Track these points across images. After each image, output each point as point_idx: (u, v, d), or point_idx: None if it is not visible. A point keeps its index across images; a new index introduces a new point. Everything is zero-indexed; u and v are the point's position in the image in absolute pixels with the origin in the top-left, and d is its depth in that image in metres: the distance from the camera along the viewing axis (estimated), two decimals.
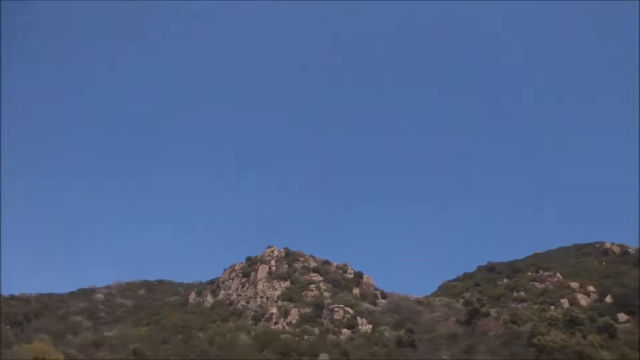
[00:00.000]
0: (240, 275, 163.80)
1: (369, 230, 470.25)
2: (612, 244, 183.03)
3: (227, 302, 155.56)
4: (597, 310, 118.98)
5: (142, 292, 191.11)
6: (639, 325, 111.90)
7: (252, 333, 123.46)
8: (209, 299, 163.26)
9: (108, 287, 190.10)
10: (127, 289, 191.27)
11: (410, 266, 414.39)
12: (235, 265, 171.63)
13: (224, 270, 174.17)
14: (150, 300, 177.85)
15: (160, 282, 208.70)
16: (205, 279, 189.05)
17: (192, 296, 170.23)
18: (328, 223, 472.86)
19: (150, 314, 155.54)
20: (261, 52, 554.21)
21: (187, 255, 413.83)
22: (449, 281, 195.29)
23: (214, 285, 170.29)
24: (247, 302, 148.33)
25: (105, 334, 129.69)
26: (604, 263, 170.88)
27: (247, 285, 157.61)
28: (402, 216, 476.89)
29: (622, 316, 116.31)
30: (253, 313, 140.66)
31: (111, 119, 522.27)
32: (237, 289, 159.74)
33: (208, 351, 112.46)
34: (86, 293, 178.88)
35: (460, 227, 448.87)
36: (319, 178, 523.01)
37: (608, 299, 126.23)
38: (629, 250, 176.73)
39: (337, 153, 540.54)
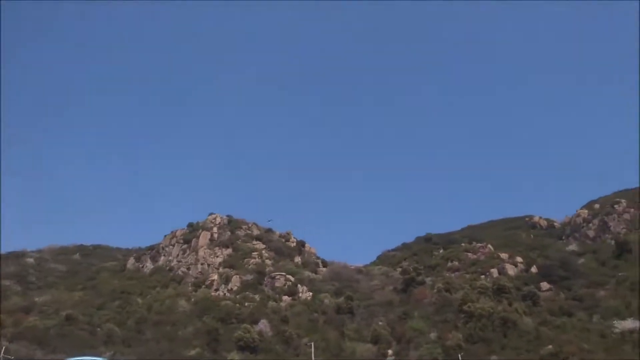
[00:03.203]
0: (181, 241, 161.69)
1: (313, 199, 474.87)
2: (540, 217, 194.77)
3: (167, 268, 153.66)
4: (523, 280, 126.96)
5: (76, 256, 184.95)
6: (559, 293, 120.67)
7: (192, 299, 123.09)
8: (149, 265, 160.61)
9: (40, 250, 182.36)
10: (61, 253, 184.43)
11: (352, 236, 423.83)
12: (176, 231, 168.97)
13: (165, 236, 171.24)
14: (86, 265, 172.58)
15: (97, 247, 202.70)
16: (144, 245, 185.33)
17: (131, 262, 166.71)
18: (273, 191, 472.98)
19: (85, 280, 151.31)
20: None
21: (126, 220, 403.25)
22: (388, 251, 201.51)
23: (153, 252, 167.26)
24: (188, 269, 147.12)
25: (36, 299, 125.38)
26: (531, 235, 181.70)
27: (188, 252, 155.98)
28: (345, 186, 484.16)
29: (544, 285, 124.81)
30: (193, 280, 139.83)
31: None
32: (177, 255, 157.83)
33: (146, 317, 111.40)
34: (16, 256, 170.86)
35: (401, 200, 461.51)
36: (265, 146, 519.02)
37: (533, 269, 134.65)
38: (555, 224, 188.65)
39: (282, 121, 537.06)
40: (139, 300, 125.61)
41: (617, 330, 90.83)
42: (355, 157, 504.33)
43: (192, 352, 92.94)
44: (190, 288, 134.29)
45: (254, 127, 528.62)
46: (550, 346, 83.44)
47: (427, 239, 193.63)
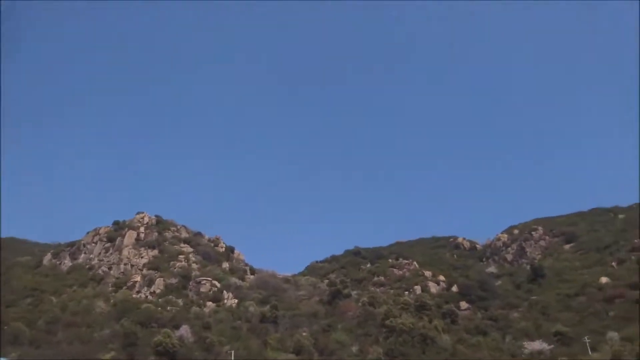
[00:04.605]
0: (105, 239, 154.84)
1: (246, 206, 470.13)
2: (463, 239, 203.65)
3: (87, 266, 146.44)
4: (444, 298, 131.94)
5: None
6: (477, 312, 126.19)
7: (111, 301, 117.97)
8: (67, 262, 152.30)
9: None
10: None
11: (283, 245, 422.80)
12: (100, 228, 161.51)
13: (87, 233, 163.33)
14: None
15: (12, 240, 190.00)
16: (64, 240, 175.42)
17: (48, 257, 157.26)
18: (206, 195, 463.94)
19: None
20: None
21: (45, 213, 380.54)
22: (317, 262, 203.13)
23: (73, 248, 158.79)
24: (110, 268, 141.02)
25: None
26: (454, 255, 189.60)
27: (111, 251, 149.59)
28: (277, 195, 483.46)
29: (463, 304, 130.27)
30: (115, 280, 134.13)
31: None
32: (99, 253, 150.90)
33: (59, 317, 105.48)
34: None
35: (332, 212, 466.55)
36: (198, 148, 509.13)
37: (454, 288, 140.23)
38: (477, 245, 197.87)
39: (218, 122, 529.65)
40: (53, 299, 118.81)
41: (526, 351, 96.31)
42: (290, 168, 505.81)
43: (107, 356, 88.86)
44: (110, 289, 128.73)
45: (189, 127, 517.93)
46: None
47: (356, 252, 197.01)
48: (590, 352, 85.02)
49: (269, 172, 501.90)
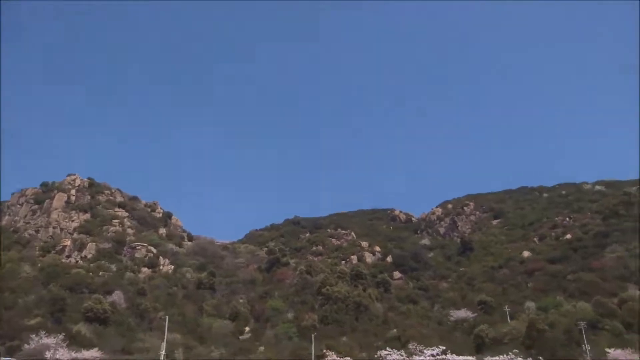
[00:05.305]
0: (32, 201, 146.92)
1: (186, 173, 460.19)
2: (400, 211, 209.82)
3: (12, 229, 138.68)
4: (379, 268, 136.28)
5: None
6: (409, 282, 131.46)
7: (38, 265, 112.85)
8: None
9: None
10: None
11: (222, 212, 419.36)
12: (26, 190, 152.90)
13: (12, 194, 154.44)
14: None
15: None
16: None
17: None
18: (144, 159, 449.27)
19: None
20: None
21: None
22: (257, 230, 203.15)
23: None
24: (37, 232, 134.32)
25: None
26: (391, 227, 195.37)
27: (38, 214, 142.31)
28: (219, 164, 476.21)
29: (397, 274, 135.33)
30: (42, 244, 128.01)
31: None
32: (25, 216, 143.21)
33: None
34: None
35: (274, 182, 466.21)
36: (138, 113, 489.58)
37: (389, 258, 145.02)
38: (413, 218, 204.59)
39: (162, 90, 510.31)
40: None
41: (452, 319, 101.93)
42: (232, 134, 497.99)
43: (32, 322, 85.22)
44: (37, 252, 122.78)
45: (128, 88, 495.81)
46: (395, 330, 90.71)
47: (295, 222, 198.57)
48: (509, 320, 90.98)
49: (209, 139, 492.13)
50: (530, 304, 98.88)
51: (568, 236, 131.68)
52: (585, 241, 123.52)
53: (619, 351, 54.61)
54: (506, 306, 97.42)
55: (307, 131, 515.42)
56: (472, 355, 44.04)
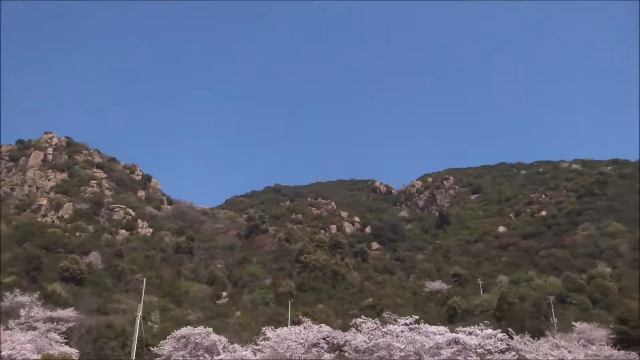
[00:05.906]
0: (7, 158, 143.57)
1: (168, 135, 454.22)
2: (381, 183, 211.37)
3: None
4: (357, 238, 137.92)
5: None
6: (386, 253, 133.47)
7: (13, 223, 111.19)
8: None
9: None
10: None
11: (203, 177, 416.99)
12: (1, 146, 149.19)
13: None
14: None
15: None
16: None
17: None
18: (125, 120, 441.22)
19: None
20: None
21: None
22: (237, 197, 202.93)
23: None
24: (12, 190, 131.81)
25: None
26: (371, 199, 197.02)
27: (14, 171, 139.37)
28: (201, 130, 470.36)
29: (374, 244, 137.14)
30: (17, 202, 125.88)
31: None
32: (0, 172, 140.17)
33: None
34: None
35: (255, 148, 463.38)
36: (123, 71, 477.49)
37: (368, 229, 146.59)
38: (393, 190, 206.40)
39: (143, 49, 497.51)
40: None
41: (426, 290, 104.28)
42: (216, 100, 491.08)
43: (7, 280, 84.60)
44: (12, 211, 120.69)
45: (108, 46, 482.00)
46: (370, 299, 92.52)
47: (276, 189, 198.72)
48: (481, 293, 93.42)
49: (192, 101, 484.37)
50: (503, 278, 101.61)
51: (543, 213, 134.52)
52: (559, 218, 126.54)
53: (585, 325, 56.76)
54: (479, 279, 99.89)
55: (292, 99, 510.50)
56: (445, 325, 45.31)
